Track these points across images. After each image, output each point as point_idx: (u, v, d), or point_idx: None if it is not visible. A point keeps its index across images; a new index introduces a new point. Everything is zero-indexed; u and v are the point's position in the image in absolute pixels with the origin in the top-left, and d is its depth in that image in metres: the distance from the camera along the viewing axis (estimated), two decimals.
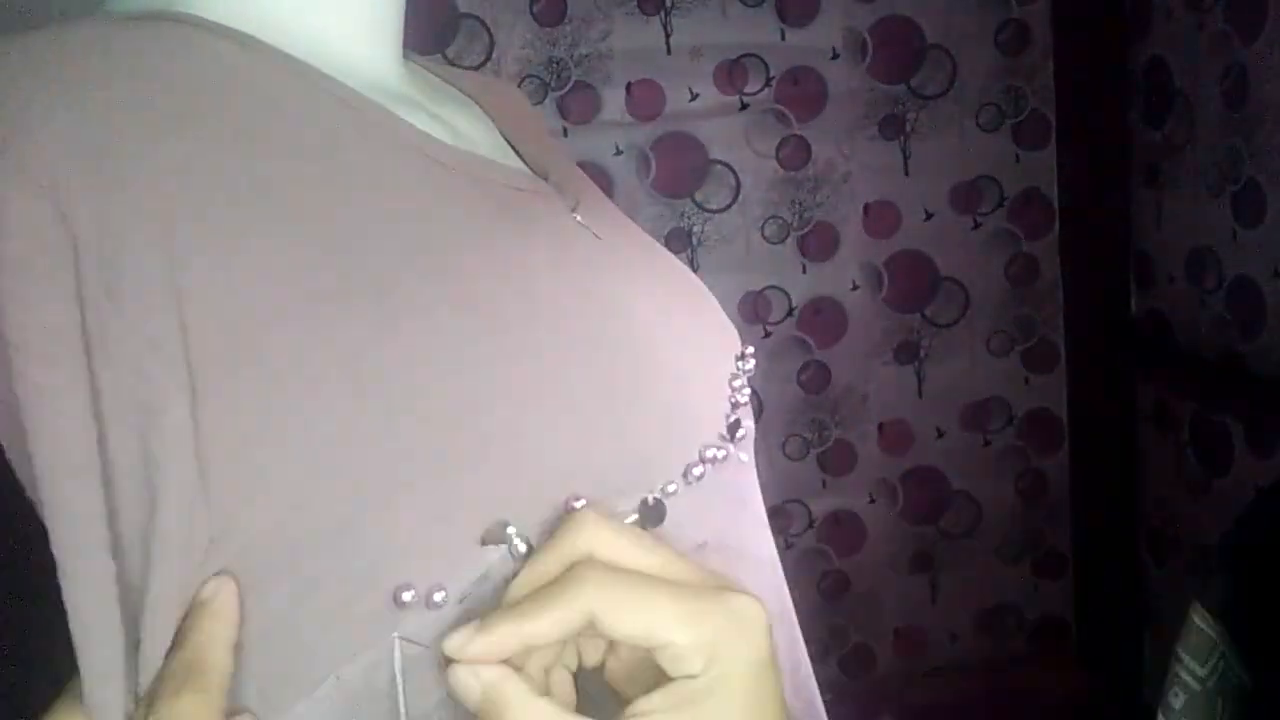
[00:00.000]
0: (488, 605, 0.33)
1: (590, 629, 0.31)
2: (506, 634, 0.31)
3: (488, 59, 1.54)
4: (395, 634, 0.31)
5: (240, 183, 0.33)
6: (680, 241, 1.63)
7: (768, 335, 1.68)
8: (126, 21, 0.36)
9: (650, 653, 0.32)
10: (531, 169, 0.48)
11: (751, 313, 1.67)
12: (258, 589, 0.31)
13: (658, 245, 0.53)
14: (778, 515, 1.71)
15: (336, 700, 0.31)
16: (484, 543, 0.33)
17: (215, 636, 0.30)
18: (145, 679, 0.30)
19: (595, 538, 0.32)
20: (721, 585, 0.33)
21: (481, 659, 0.30)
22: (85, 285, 0.29)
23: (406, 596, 0.31)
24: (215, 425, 0.30)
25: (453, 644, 0.30)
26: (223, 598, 0.30)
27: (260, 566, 0.31)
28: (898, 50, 1.63)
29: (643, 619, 0.31)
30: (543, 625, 0.31)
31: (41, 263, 0.29)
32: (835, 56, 1.62)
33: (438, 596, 0.32)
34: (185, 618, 0.30)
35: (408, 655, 0.32)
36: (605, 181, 1.59)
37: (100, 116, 0.31)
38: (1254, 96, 1.32)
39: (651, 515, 0.37)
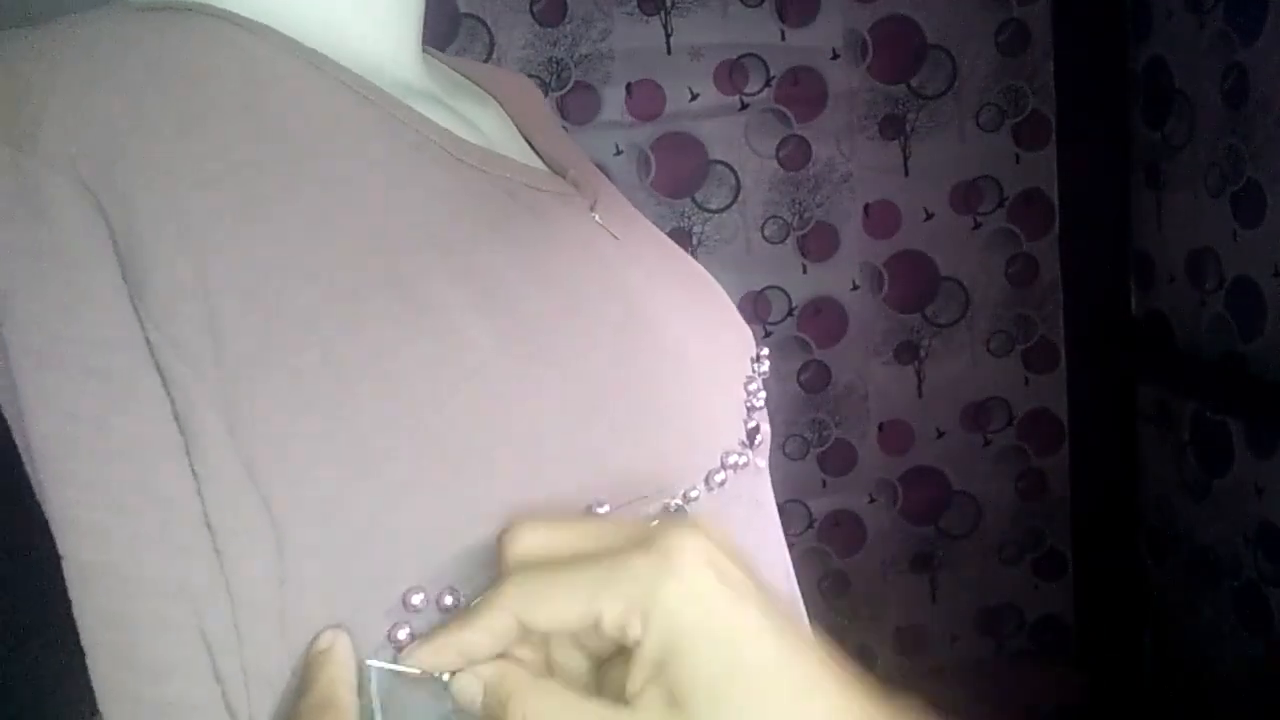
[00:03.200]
0: None
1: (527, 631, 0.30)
2: (441, 644, 0.30)
3: (488, 59, 1.54)
4: (368, 660, 0.31)
5: (261, 178, 0.33)
6: (680, 242, 1.62)
7: (768, 335, 1.67)
8: (145, 13, 0.36)
9: (600, 637, 0.30)
10: (548, 165, 0.47)
11: (752, 313, 1.66)
12: (289, 588, 0.30)
13: (672, 243, 0.52)
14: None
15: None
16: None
17: (339, 679, 0.30)
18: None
19: (517, 541, 0.31)
20: (645, 535, 0.31)
21: (428, 665, 0.30)
22: (128, 279, 0.30)
23: (416, 600, 0.31)
24: (249, 425, 0.30)
25: (410, 658, 0.30)
26: (340, 645, 0.30)
27: (294, 567, 0.30)
28: (898, 50, 1.63)
29: (561, 604, 0.30)
30: (472, 633, 0.30)
31: (88, 250, 0.29)
32: (835, 56, 1.62)
33: (448, 600, 0.31)
34: (306, 665, 0.30)
35: (388, 678, 0.32)
36: None
37: (124, 109, 0.31)
38: (1254, 97, 1.32)
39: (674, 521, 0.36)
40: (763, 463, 0.45)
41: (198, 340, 0.30)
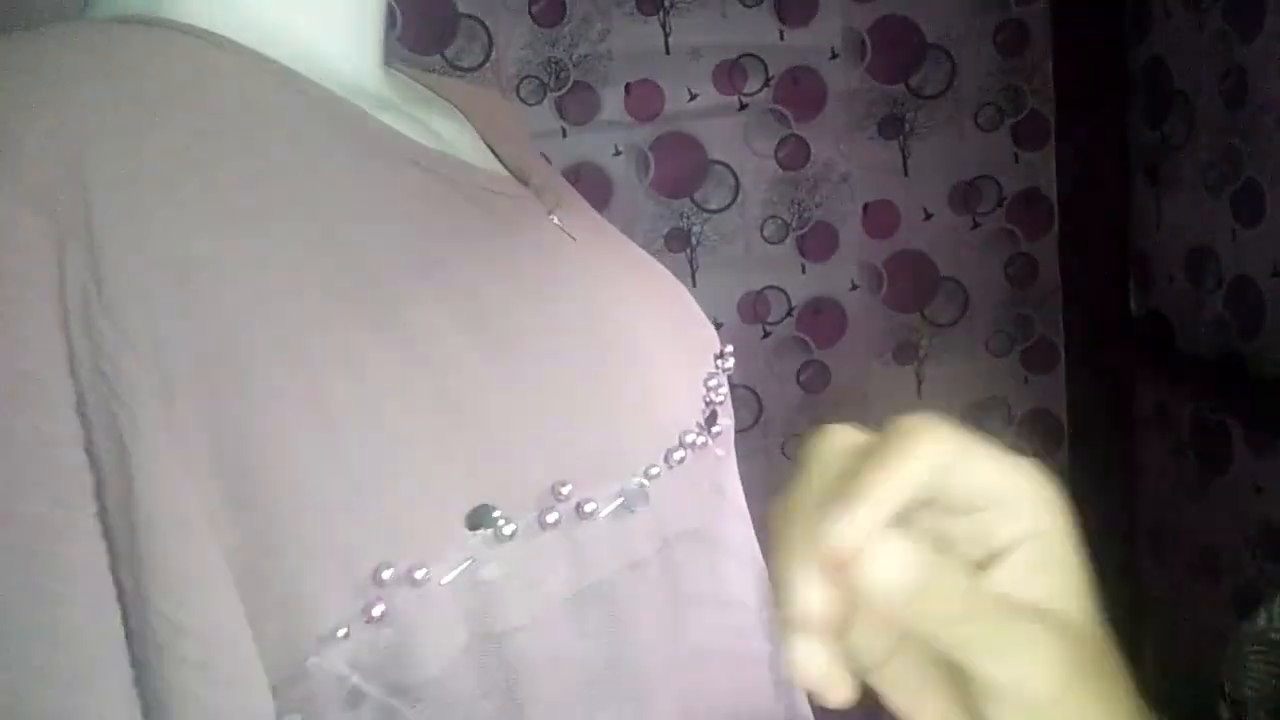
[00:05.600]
0: (475, 588, 0.34)
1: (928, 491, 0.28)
2: (869, 506, 0.26)
3: (486, 59, 1.54)
4: (311, 659, 0.31)
5: (221, 185, 0.33)
6: (679, 242, 1.63)
7: (767, 335, 1.68)
8: (108, 25, 0.36)
9: (979, 514, 0.29)
10: (511, 173, 0.49)
11: (751, 313, 1.67)
12: (262, 566, 0.31)
13: (635, 247, 0.54)
14: None
15: (323, 673, 0.32)
16: (469, 526, 0.34)
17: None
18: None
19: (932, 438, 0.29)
20: None
21: (862, 532, 0.26)
22: (74, 288, 0.29)
23: (386, 574, 0.32)
24: (211, 416, 0.30)
25: (837, 538, 0.26)
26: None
27: (262, 546, 0.31)
28: (897, 50, 1.63)
29: (985, 464, 0.28)
30: (892, 483, 0.27)
31: (35, 274, 0.29)
32: (834, 56, 1.62)
33: (419, 574, 0.32)
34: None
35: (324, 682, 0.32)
36: (604, 182, 1.59)
37: (83, 121, 0.31)
38: (1253, 96, 1.32)
39: (635, 498, 0.38)
40: (722, 451, 0.47)
41: (152, 336, 0.30)
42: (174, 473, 0.30)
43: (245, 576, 0.31)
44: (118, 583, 0.30)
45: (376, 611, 0.32)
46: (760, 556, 0.51)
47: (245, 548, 0.31)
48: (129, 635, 0.30)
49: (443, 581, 0.33)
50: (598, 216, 0.55)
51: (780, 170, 1.64)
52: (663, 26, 1.59)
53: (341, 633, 0.32)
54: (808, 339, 1.69)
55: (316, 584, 0.32)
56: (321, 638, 0.32)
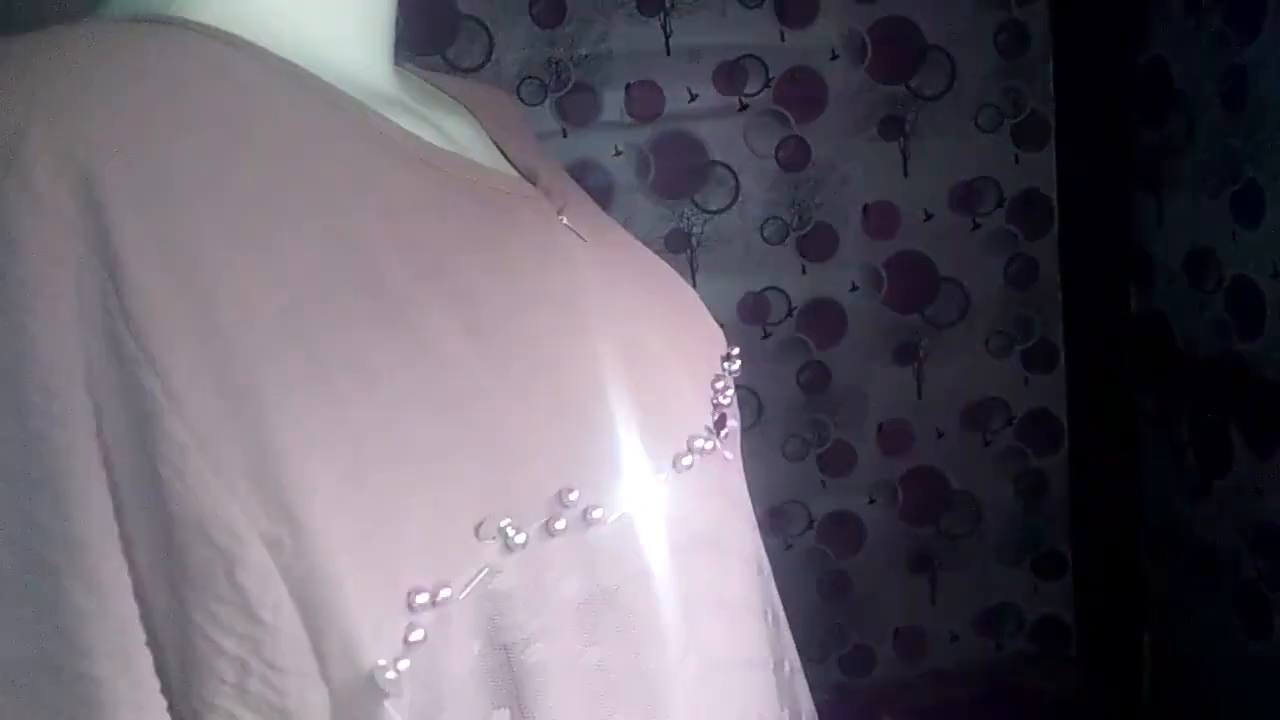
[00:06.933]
0: (488, 599, 0.33)
1: None
2: None
3: (487, 60, 1.54)
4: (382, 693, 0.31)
5: (235, 188, 0.33)
6: (679, 242, 1.63)
7: (767, 336, 1.67)
8: (122, 24, 0.36)
9: None
10: (520, 172, 0.48)
11: (751, 314, 1.67)
12: (297, 604, 0.30)
13: (643, 247, 0.54)
14: (777, 516, 1.71)
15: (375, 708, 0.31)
16: (480, 537, 0.33)
17: None
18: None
19: None
20: None
21: None
22: (91, 298, 0.29)
23: (420, 599, 0.31)
24: (232, 437, 0.30)
25: None
26: None
27: (299, 581, 0.30)
28: (897, 51, 1.63)
29: None
30: None
31: (51, 282, 0.29)
32: (834, 57, 1.62)
33: (444, 594, 0.32)
34: None
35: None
36: (605, 183, 1.59)
37: (99, 125, 0.31)
38: (1253, 97, 1.32)
39: (643, 504, 0.38)
40: (730, 455, 0.46)
41: (171, 349, 0.30)
42: (215, 498, 0.29)
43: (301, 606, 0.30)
44: (142, 600, 0.29)
45: (416, 637, 0.31)
46: (766, 562, 0.51)
47: (303, 577, 0.30)
48: (166, 650, 0.30)
49: (461, 597, 0.33)
50: (605, 215, 0.54)
51: (780, 171, 1.64)
52: (663, 27, 1.59)
53: (390, 673, 0.31)
54: (808, 340, 1.69)
55: (357, 620, 0.31)
56: (366, 668, 0.31)
